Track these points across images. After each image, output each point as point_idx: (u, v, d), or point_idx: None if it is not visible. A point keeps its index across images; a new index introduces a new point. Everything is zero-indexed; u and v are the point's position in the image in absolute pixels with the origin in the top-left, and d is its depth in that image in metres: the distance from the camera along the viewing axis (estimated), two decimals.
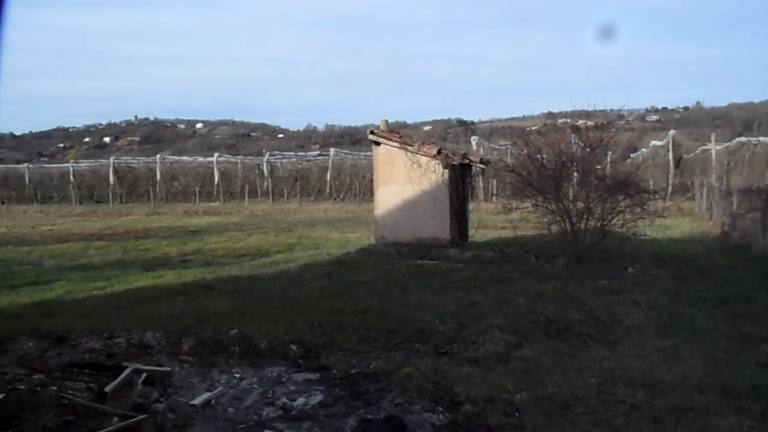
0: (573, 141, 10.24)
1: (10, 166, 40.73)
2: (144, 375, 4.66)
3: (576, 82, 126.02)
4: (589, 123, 10.52)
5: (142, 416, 3.99)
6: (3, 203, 32.73)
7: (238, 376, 4.84)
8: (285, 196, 29.29)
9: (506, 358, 5.09)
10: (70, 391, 4.22)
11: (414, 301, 7.03)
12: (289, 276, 8.90)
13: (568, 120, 13.52)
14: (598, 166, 10.57)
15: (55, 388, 4.22)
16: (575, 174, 10.16)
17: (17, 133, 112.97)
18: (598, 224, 9.40)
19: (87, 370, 4.72)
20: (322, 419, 4.03)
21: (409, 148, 10.78)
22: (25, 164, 39.53)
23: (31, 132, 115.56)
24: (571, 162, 9.96)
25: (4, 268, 10.44)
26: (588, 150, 9.97)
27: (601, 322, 6.17)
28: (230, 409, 4.22)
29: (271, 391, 4.52)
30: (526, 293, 7.25)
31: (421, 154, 10.61)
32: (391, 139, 10.96)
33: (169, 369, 4.82)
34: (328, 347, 5.39)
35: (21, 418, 3.59)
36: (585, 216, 9.37)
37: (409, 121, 77.90)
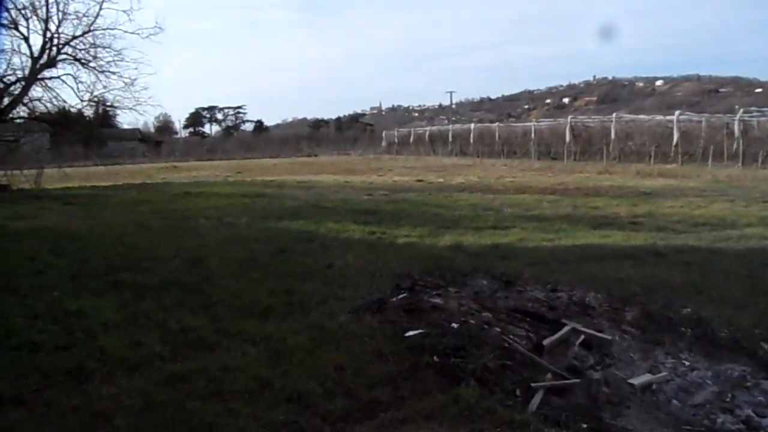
0: None
1: (485, 125, 46.72)
2: (582, 337, 4.45)
3: None
4: None
5: (576, 380, 3.80)
6: (478, 157, 37.89)
7: (687, 363, 4.13)
8: (760, 160, 24.58)
9: None
10: (511, 336, 4.35)
11: None
12: (764, 254, 7.27)
13: None
14: None
15: (498, 329, 4.42)
16: None
17: (492, 97, 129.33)
18: None
19: (528, 319, 4.80)
20: None
21: None
22: (496, 123, 44.88)
23: (503, 95, 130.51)
24: None
25: (472, 212, 11.88)
26: None
27: None
28: (674, 402, 3.62)
29: (729, 394, 3.68)
30: None
31: None
32: None
33: (609, 337, 4.47)
34: None
35: (467, 350, 3.86)
36: None
37: None
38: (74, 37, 20.34)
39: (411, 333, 4.15)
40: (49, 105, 20.92)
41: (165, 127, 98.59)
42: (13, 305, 5.09)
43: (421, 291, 5.60)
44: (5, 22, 19.59)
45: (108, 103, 24.50)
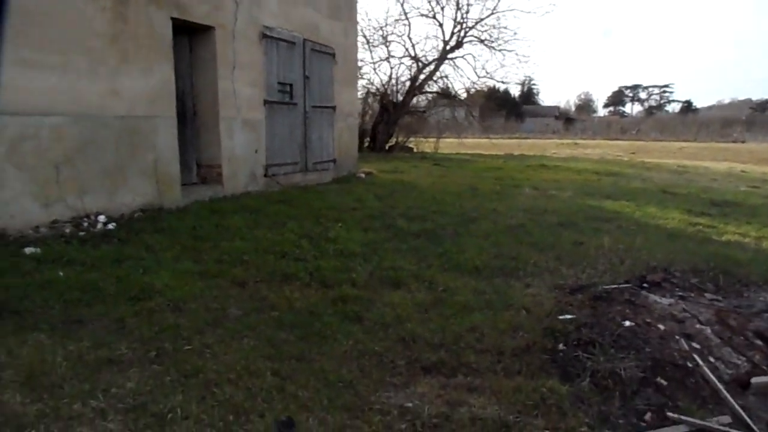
0: None
1: None
2: None
3: None
4: None
5: None
6: None
7: None
8: None
9: None
10: (711, 359, 3.36)
11: None
12: None
13: None
14: None
15: (696, 346, 3.45)
16: None
17: None
18: None
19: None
20: None
21: None
22: None
23: None
24: None
25: None
26: None
27: None
28: None
29: None
30: None
31: None
32: None
33: None
34: None
35: (604, 349, 3.20)
36: None
37: None
38: (479, 20, 22.68)
39: (565, 316, 3.65)
40: (453, 81, 24.15)
41: (585, 105, 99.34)
42: (303, 226, 6.48)
43: (666, 289, 4.72)
44: (426, 12, 23.24)
45: (501, 80, 26.70)
